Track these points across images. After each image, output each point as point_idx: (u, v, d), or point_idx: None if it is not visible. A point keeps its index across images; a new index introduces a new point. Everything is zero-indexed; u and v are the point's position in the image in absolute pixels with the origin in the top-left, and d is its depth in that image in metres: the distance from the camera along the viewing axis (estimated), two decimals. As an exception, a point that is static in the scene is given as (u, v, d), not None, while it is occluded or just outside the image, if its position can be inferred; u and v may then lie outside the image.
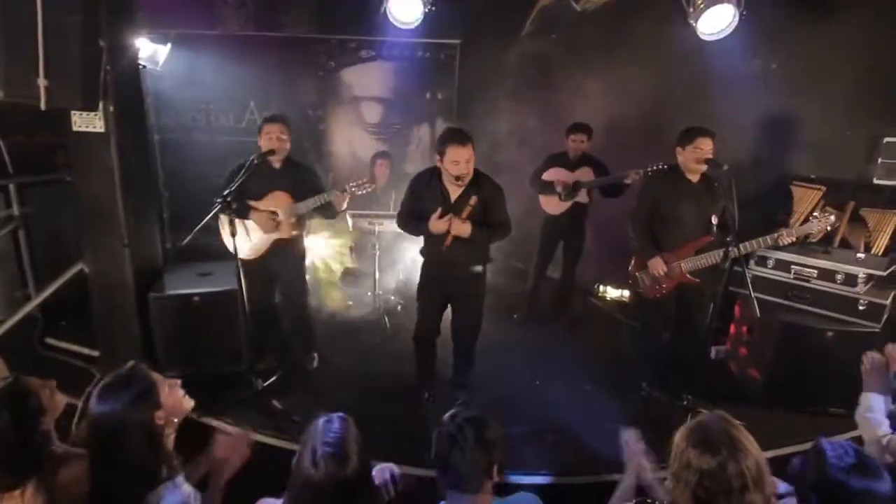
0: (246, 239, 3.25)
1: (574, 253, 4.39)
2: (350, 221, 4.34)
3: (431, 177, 2.97)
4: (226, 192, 2.76)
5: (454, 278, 3.07)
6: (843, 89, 3.68)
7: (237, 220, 3.19)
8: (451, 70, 5.62)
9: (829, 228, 2.89)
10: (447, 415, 1.62)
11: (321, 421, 1.49)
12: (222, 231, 3.28)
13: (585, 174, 4.13)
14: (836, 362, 3.16)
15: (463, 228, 2.85)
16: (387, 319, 4.32)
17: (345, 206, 3.15)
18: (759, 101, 4.00)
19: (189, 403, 1.79)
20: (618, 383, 3.59)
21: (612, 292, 4.87)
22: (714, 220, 3.11)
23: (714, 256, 3.06)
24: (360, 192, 3.12)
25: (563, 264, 4.45)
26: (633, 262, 3.39)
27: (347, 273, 4.62)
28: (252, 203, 3.23)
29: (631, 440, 2.07)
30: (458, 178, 2.78)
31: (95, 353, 3.58)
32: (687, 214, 3.14)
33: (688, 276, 3.17)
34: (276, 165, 3.27)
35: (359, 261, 4.67)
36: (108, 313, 3.35)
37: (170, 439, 1.70)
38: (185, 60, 4.40)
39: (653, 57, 4.41)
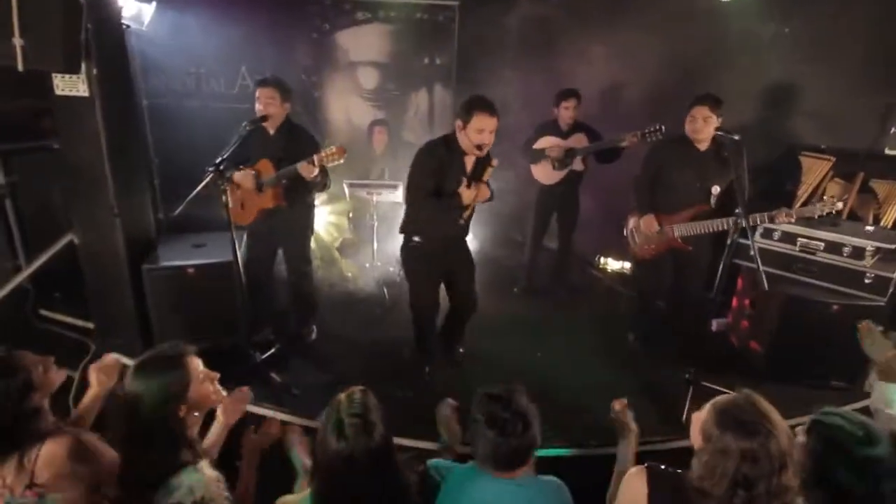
0: (239, 206, 3.16)
1: (569, 223, 4.32)
2: (347, 191, 4.23)
3: (449, 148, 2.81)
4: (218, 161, 2.64)
5: (450, 248, 3.03)
6: (857, 56, 3.56)
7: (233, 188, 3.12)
8: (450, 33, 5.41)
9: (832, 213, 2.84)
10: (488, 395, 1.63)
11: (342, 396, 1.53)
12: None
13: (579, 141, 4.01)
14: (840, 336, 3.13)
15: (486, 193, 2.87)
16: (386, 290, 4.27)
17: (315, 175, 2.94)
18: (769, 68, 3.87)
19: (218, 397, 1.79)
20: (620, 356, 3.59)
21: (613, 264, 4.81)
22: (715, 189, 3.09)
23: (709, 226, 3.06)
24: (329, 164, 2.94)
25: (559, 235, 4.40)
26: (630, 220, 3.42)
27: (345, 244, 4.54)
28: (245, 168, 3.13)
29: (620, 408, 2.10)
30: (479, 148, 2.68)
31: (91, 325, 3.53)
32: (688, 182, 3.15)
33: (679, 240, 3.19)
34: (271, 131, 3.15)
35: (356, 231, 4.59)
36: (100, 285, 3.27)
37: (194, 427, 1.68)
38: (172, 21, 4.18)
39: (659, 21, 4.24)
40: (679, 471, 1.53)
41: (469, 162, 2.85)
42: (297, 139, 3.21)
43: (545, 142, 4.03)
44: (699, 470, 1.43)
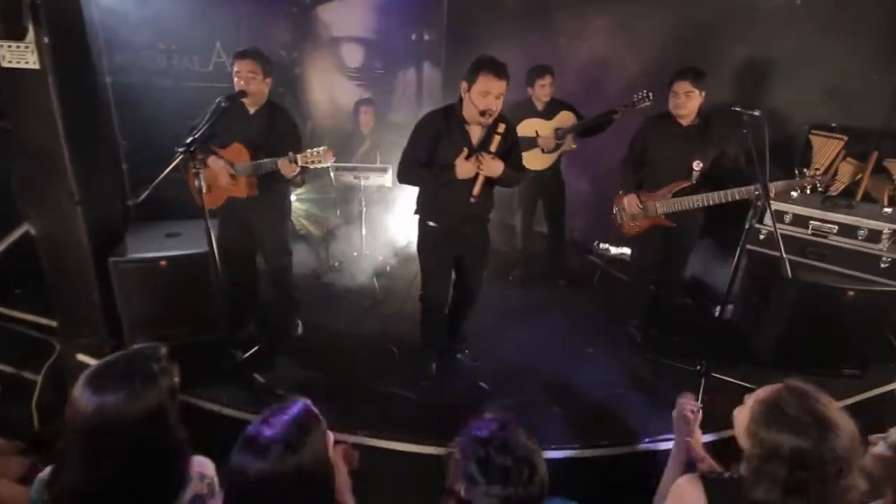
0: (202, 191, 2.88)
1: (559, 208, 4.14)
2: (333, 176, 3.96)
3: (449, 116, 2.58)
4: (189, 141, 2.35)
5: (466, 234, 2.77)
6: (871, 30, 3.38)
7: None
8: (439, 7, 5.14)
9: (818, 187, 2.83)
10: (478, 439, 1.27)
11: (271, 408, 1.33)
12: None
13: (565, 119, 3.78)
14: (853, 323, 3.05)
15: (495, 166, 2.52)
16: (376, 281, 4.02)
17: (294, 174, 2.74)
18: (779, 42, 3.67)
19: None
20: (622, 345, 3.42)
21: (612, 250, 4.63)
22: (697, 165, 3.00)
23: (689, 202, 3.00)
24: (311, 165, 2.68)
25: (549, 221, 4.20)
26: (616, 199, 3.33)
27: (331, 232, 4.27)
28: (217, 150, 2.85)
29: (686, 407, 1.86)
30: (483, 114, 2.42)
31: (55, 324, 3.24)
32: (669, 158, 3.07)
33: (662, 217, 3.11)
34: (251, 110, 2.86)
35: (343, 218, 4.32)
36: (63, 280, 2.97)
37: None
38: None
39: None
40: (734, 476, 1.36)
41: (475, 132, 2.59)
42: (279, 125, 2.93)
43: (527, 126, 3.77)
44: (749, 475, 1.27)
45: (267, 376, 2.87)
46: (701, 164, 2.97)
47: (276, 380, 2.86)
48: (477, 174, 2.54)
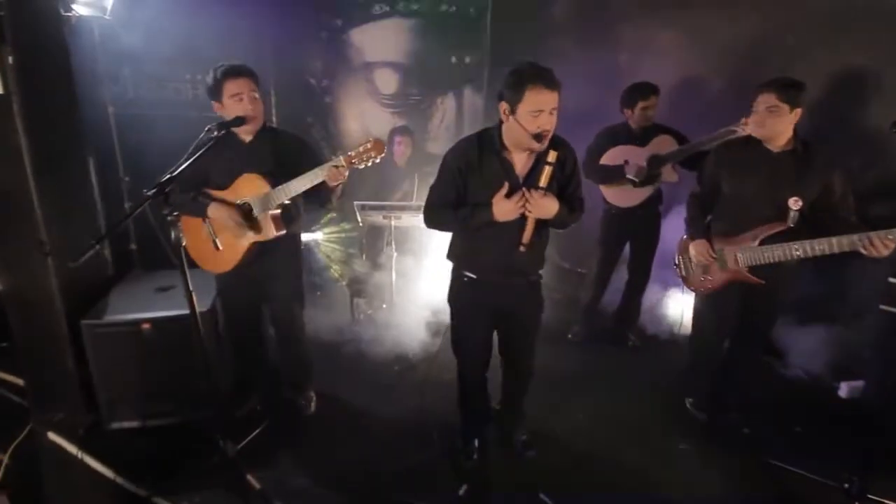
0: (211, 247, 2.33)
1: (648, 252, 3.41)
2: (359, 215, 3.40)
3: (482, 144, 2.02)
4: (165, 179, 1.82)
5: (512, 289, 2.15)
6: None
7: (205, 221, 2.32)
8: (482, 27, 4.66)
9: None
10: None
11: None
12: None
13: (663, 145, 3.10)
14: None
15: (545, 205, 1.94)
16: (409, 340, 3.38)
17: (339, 186, 2.20)
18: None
19: None
20: (722, 437, 2.63)
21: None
22: (795, 203, 2.24)
23: (787, 251, 2.23)
24: (362, 165, 2.13)
25: (633, 267, 3.47)
26: (679, 245, 2.66)
27: (356, 281, 3.68)
28: (215, 194, 2.32)
29: None
30: (538, 138, 1.85)
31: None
32: (756, 193, 2.37)
33: (746, 272, 2.40)
34: (247, 139, 2.34)
35: (370, 265, 3.73)
36: (33, 344, 2.49)
37: None
38: (152, 15, 3.45)
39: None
40: None
41: (519, 161, 2.00)
42: (289, 142, 2.41)
43: (616, 153, 3.13)
44: None
45: (264, 478, 2.23)
46: (800, 203, 2.23)
47: (276, 485, 2.22)
48: (524, 216, 1.96)
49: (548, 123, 1.85)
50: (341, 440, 2.56)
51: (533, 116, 1.82)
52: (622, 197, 3.18)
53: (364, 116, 4.87)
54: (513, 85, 1.84)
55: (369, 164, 2.14)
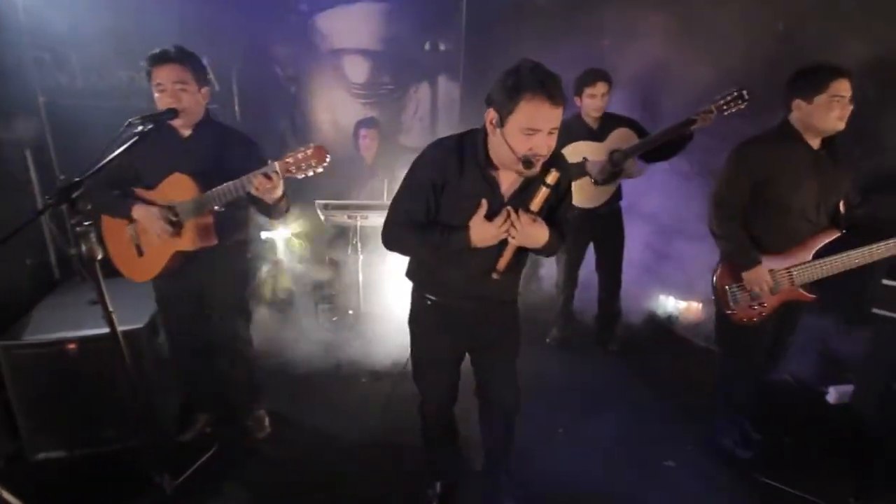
0: (133, 252, 2.07)
1: (616, 253, 3.23)
2: (322, 214, 3.14)
3: (463, 153, 1.62)
4: (70, 183, 1.55)
5: (482, 314, 1.82)
6: None
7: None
8: (457, 13, 4.38)
9: None
10: None
11: None
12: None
13: (622, 138, 2.87)
14: None
15: (534, 233, 1.59)
16: (376, 351, 3.14)
17: (278, 193, 1.90)
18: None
19: None
20: (713, 453, 2.44)
21: (670, 305, 3.67)
22: (844, 206, 2.11)
23: (846, 261, 2.03)
24: (300, 175, 1.83)
25: (602, 269, 3.28)
26: (718, 270, 2.28)
27: (320, 286, 3.43)
28: (142, 194, 2.05)
29: None
30: (526, 163, 1.48)
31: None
32: (805, 197, 2.07)
33: (800, 290, 2.14)
34: (185, 133, 2.07)
35: (335, 268, 3.48)
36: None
37: None
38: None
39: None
40: None
41: (506, 178, 1.64)
42: (228, 141, 2.12)
43: (574, 150, 2.88)
44: None
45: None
46: (844, 204, 2.06)
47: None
48: (505, 241, 1.62)
49: (543, 146, 1.48)
50: (298, 467, 2.32)
51: (526, 135, 1.46)
52: (583, 197, 2.94)
53: (333, 107, 4.58)
54: (506, 90, 1.45)
55: (310, 173, 1.84)
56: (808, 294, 2.15)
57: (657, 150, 2.82)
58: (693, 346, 3.45)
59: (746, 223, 2.15)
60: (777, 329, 2.28)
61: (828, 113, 1.96)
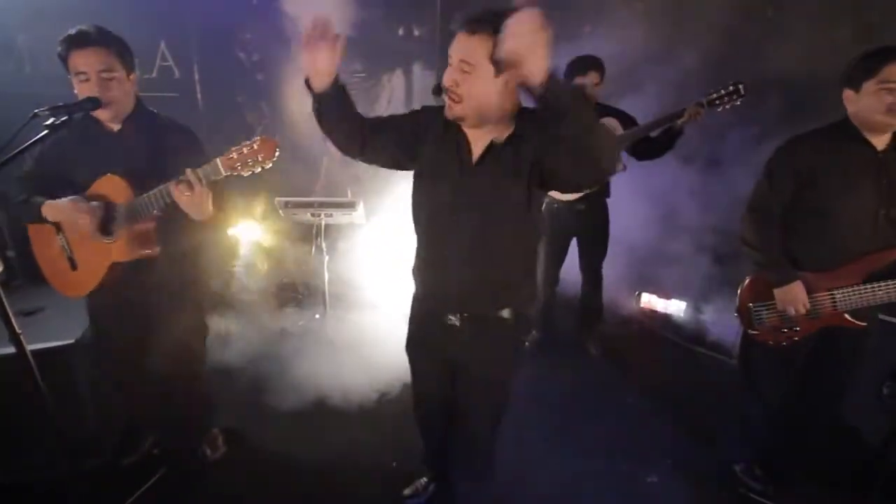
0: (65, 265, 1.85)
1: (598, 248, 3.09)
2: (282, 213, 2.93)
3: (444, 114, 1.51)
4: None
5: (462, 329, 1.61)
6: None
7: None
8: (433, -5, 4.14)
9: None
10: None
11: None
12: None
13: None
14: None
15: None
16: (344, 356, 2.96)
17: (205, 208, 1.67)
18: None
19: None
20: (703, 470, 2.31)
21: (657, 303, 3.55)
22: None
23: None
24: (246, 172, 1.62)
25: (584, 266, 3.15)
26: (746, 284, 2.02)
27: (284, 288, 3.23)
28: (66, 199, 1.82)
29: None
30: (436, 90, 1.47)
31: None
32: (858, 205, 1.77)
33: (847, 316, 1.84)
34: (114, 127, 1.84)
35: (299, 270, 3.28)
36: None
37: None
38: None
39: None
40: None
41: (478, 140, 1.49)
42: (164, 135, 1.88)
43: None
44: None
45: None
46: None
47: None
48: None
49: (455, 72, 1.39)
50: (254, 491, 2.14)
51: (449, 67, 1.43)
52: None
53: (302, 95, 4.25)
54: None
55: (257, 170, 1.64)
56: (858, 321, 1.82)
57: (646, 147, 2.69)
58: (677, 346, 3.34)
59: (784, 232, 1.88)
60: (816, 361, 1.95)
61: (876, 103, 1.67)
